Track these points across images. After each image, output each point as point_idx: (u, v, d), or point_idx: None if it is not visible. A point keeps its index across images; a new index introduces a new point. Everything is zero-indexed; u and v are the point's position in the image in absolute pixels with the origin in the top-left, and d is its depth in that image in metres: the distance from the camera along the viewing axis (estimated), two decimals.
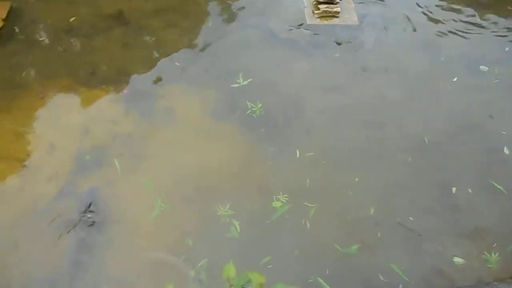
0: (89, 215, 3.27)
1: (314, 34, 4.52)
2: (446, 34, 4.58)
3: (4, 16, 4.40)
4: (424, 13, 4.80)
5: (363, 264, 3.09)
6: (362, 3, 4.87)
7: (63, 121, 3.81)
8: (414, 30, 4.61)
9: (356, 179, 3.47)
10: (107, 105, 3.92)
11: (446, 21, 4.72)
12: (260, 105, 3.89)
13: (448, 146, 3.70)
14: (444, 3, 4.94)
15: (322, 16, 4.62)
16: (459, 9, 4.86)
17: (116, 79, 4.09)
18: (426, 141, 3.70)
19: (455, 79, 4.17)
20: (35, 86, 4.04)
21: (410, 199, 3.38)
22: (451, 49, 4.43)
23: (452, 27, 4.65)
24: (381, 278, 3.02)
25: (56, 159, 3.57)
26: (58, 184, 3.42)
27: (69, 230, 3.19)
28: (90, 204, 3.32)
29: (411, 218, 3.29)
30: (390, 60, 4.31)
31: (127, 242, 3.15)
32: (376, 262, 3.10)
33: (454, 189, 3.44)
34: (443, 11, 4.84)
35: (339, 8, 4.63)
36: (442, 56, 4.37)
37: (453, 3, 4.93)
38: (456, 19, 4.74)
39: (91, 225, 3.23)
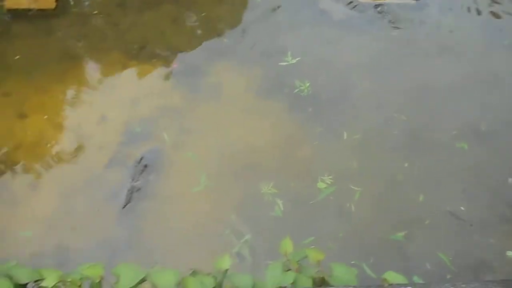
0: (137, 184, 3.36)
1: (367, 12, 4.35)
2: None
3: None
4: None
5: (409, 251, 3.01)
6: None
7: (113, 93, 3.90)
8: (479, 13, 4.33)
9: (406, 165, 3.37)
10: (156, 79, 3.97)
11: None
12: (308, 84, 3.81)
13: (506, 135, 3.51)
14: None
15: None
16: None
17: (166, 54, 4.12)
18: (483, 128, 3.52)
19: None
20: (88, 58, 4.14)
21: (463, 188, 3.24)
22: None
23: None
24: (428, 267, 2.94)
25: (106, 130, 3.67)
26: (108, 154, 3.52)
27: (119, 198, 3.29)
28: (142, 171, 3.40)
29: (462, 208, 3.16)
30: (448, 42, 4.09)
31: (172, 212, 3.22)
32: (423, 250, 3.02)
33: (510, 180, 3.27)
34: None
35: None
36: (505, 39, 4.11)
37: None
38: None
39: (138, 192, 3.31)
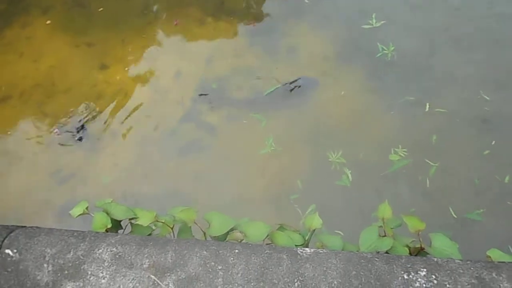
0: (207, 139, 3.40)
1: None
2: None
3: None
4: None
5: (489, 233, 2.82)
6: None
7: (190, 50, 3.91)
8: None
9: (493, 142, 3.11)
10: (232, 37, 3.92)
11: None
12: (392, 48, 3.59)
13: None
14: None
15: None
16: None
17: (244, 11, 4.04)
18: None
19: None
20: (167, 13, 4.16)
21: None
22: None
23: None
24: (511, 249, 2.75)
25: (182, 85, 3.71)
26: (183, 108, 3.57)
27: (190, 150, 3.35)
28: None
29: None
30: None
31: (238, 173, 3.24)
32: (505, 233, 2.81)
33: None
34: None
35: None
36: None
37: None
38: None
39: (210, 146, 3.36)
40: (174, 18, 4.09)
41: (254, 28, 3.92)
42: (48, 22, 4.16)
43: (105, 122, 3.61)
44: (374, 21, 3.76)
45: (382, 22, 3.75)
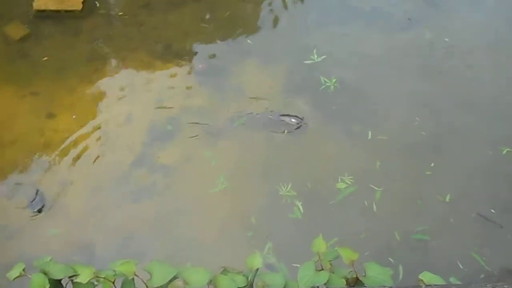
0: (159, 182, 3.39)
1: (392, 7, 4.27)
2: None
3: None
4: None
5: (437, 251, 2.95)
6: None
7: (139, 93, 3.93)
8: None
9: (432, 164, 3.29)
10: (181, 78, 3.99)
11: None
12: (334, 80, 3.77)
13: None
14: None
15: None
16: None
17: (192, 54, 4.14)
18: None
19: None
20: (114, 58, 4.20)
21: (494, 192, 3.15)
22: None
23: None
24: (461, 266, 2.87)
25: (132, 128, 3.71)
26: (134, 152, 3.56)
27: (143, 195, 3.33)
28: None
29: (493, 211, 3.07)
30: (478, 38, 3.97)
31: (191, 214, 3.23)
32: (452, 250, 2.95)
33: None
34: None
35: None
36: None
37: None
38: None
39: (163, 189, 3.34)
40: (122, 63, 4.13)
41: (202, 69, 4.02)
42: None
43: (53, 172, 3.53)
44: (315, 56, 3.95)
45: (323, 56, 3.95)
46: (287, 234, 3.06)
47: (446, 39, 3.98)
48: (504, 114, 3.53)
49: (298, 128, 3.52)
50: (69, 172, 3.50)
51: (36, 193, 3.37)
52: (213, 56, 4.09)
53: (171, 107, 3.80)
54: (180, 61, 4.09)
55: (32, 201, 3.33)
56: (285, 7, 4.39)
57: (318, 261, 1.47)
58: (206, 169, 3.42)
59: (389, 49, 3.99)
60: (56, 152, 3.61)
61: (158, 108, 3.81)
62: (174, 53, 4.15)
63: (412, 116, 3.53)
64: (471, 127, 3.46)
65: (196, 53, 4.13)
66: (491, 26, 4.07)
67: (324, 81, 3.79)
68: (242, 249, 3.01)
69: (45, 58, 4.17)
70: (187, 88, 3.92)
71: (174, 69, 4.05)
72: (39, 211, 3.29)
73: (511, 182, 3.20)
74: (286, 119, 3.55)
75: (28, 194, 3.39)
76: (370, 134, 3.47)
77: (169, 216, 3.24)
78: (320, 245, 1.44)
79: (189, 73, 4.01)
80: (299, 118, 3.57)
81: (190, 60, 4.08)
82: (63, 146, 3.64)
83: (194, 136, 3.61)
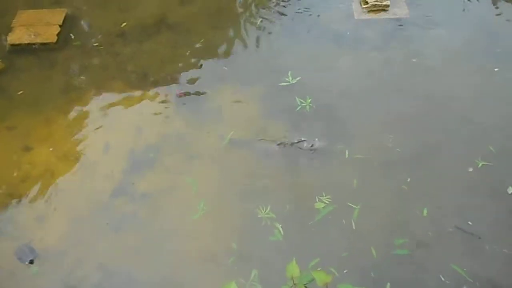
0: (140, 211, 3.36)
1: (362, 29, 4.40)
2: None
3: (60, 22, 4.60)
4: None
5: (418, 265, 2.98)
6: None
7: (117, 123, 3.93)
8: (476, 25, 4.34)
9: (408, 180, 3.35)
10: (158, 106, 4.01)
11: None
12: (309, 100, 3.84)
13: None
14: None
15: (371, 10, 4.50)
16: None
17: (167, 81, 4.17)
18: (491, 148, 3.47)
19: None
20: (91, 89, 4.20)
21: (468, 203, 3.21)
22: None
23: None
24: (442, 279, 2.90)
25: (111, 158, 3.69)
26: (113, 182, 3.54)
27: (123, 225, 3.29)
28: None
29: (470, 223, 3.12)
30: (445, 57, 4.10)
31: (173, 242, 3.21)
32: (433, 263, 2.98)
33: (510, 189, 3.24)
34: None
35: (388, 1, 4.49)
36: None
37: None
38: None
39: (141, 220, 3.32)
40: (98, 94, 4.13)
41: (179, 96, 4.05)
42: None
43: (31, 205, 3.47)
44: (290, 78, 4.03)
45: (298, 78, 4.03)
46: (269, 258, 3.05)
47: (414, 60, 4.10)
48: (479, 128, 3.61)
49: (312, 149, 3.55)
50: (47, 205, 3.45)
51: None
52: (189, 82, 4.13)
53: (150, 135, 3.81)
54: (157, 88, 4.12)
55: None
56: (258, 32, 4.48)
57: (292, 286, 1.48)
58: (187, 195, 3.41)
59: (361, 69, 4.08)
60: (33, 186, 3.57)
61: (136, 135, 3.80)
62: (150, 81, 4.18)
63: (387, 133, 3.60)
64: (445, 142, 3.53)
65: (172, 81, 4.17)
66: (464, 44, 4.21)
67: (300, 101, 3.86)
68: (224, 276, 2.98)
69: (21, 92, 4.15)
70: (165, 115, 3.93)
71: (151, 97, 4.07)
72: (31, 262, 3.18)
73: (487, 194, 3.26)
74: (300, 145, 3.59)
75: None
76: (347, 153, 3.52)
77: (150, 245, 3.21)
78: (293, 269, 1.46)
79: (167, 100, 4.03)
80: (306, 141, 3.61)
81: (166, 88, 4.11)
82: (40, 179, 3.60)
83: (174, 162, 3.61)
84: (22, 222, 3.39)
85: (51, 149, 3.77)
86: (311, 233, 3.14)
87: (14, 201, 3.51)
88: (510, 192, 3.24)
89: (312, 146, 3.57)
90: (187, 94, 4.04)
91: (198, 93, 4.04)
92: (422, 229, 3.10)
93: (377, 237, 3.08)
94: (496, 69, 3.96)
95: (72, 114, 3.99)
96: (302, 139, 3.62)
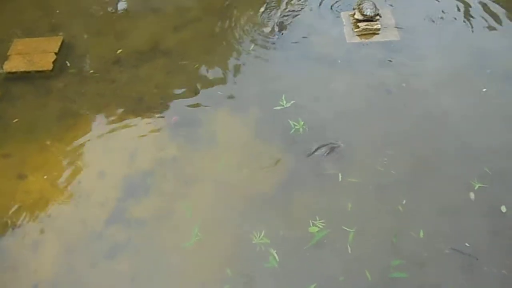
0: (135, 238, 3.34)
1: (354, 52, 4.47)
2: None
3: (56, 50, 4.66)
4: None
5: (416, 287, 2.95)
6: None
7: (112, 149, 3.94)
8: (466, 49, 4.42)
9: (404, 202, 3.34)
10: (154, 131, 4.02)
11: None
12: (302, 123, 3.87)
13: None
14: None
15: (362, 34, 4.59)
16: None
17: (162, 106, 4.20)
18: (486, 169, 3.48)
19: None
20: (86, 115, 4.22)
21: (465, 225, 3.20)
22: None
23: None
24: None
25: (105, 185, 3.69)
26: (108, 210, 3.52)
27: (118, 253, 3.26)
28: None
29: (467, 244, 3.11)
30: (437, 79, 4.15)
31: (167, 269, 3.18)
32: (430, 286, 2.95)
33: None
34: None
35: (379, 25, 4.58)
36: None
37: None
38: None
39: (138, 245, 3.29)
40: (93, 120, 4.15)
41: (174, 121, 4.07)
42: None
43: (25, 234, 3.45)
44: (284, 102, 4.07)
45: (292, 101, 4.07)
46: (264, 285, 3.01)
47: (404, 85, 4.15)
48: (475, 150, 3.62)
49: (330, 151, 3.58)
50: (41, 233, 3.43)
51: None
52: (184, 108, 4.16)
53: (144, 161, 3.81)
54: (151, 113, 4.14)
55: None
56: (252, 57, 4.54)
57: None
58: (181, 222, 3.40)
59: (353, 91, 4.13)
60: (28, 214, 3.55)
61: (131, 162, 3.81)
62: (146, 107, 4.21)
63: (381, 156, 3.61)
64: (441, 163, 3.54)
65: (168, 106, 4.20)
66: (455, 67, 4.27)
67: (294, 124, 3.88)
68: None
69: (16, 120, 4.17)
70: (160, 140, 3.95)
71: (146, 123, 4.09)
72: None
73: (483, 216, 3.25)
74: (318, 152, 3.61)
75: None
76: (340, 176, 3.53)
77: (144, 273, 3.17)
78: None
79: (162, 125, 4.05)
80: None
81: (161, 113, 4.14)
82: (35, 207, 3.58)
83: (169, 188, 3.61)
84: (16, 252, 3.35)
85: (45, 176, 3.76)
86: (306, 258, 3.11)
87: (8, 229, 3.48)
88: (504, 211, 3.23)
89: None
90: (181, 119, 4.06)
91: (193, 118, 4.06)
92: (418, 251, 3.08)
93: (374, 260, 3.06)
94: (484, 90, 4.01)
95: (67, 142, 4.00)
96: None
